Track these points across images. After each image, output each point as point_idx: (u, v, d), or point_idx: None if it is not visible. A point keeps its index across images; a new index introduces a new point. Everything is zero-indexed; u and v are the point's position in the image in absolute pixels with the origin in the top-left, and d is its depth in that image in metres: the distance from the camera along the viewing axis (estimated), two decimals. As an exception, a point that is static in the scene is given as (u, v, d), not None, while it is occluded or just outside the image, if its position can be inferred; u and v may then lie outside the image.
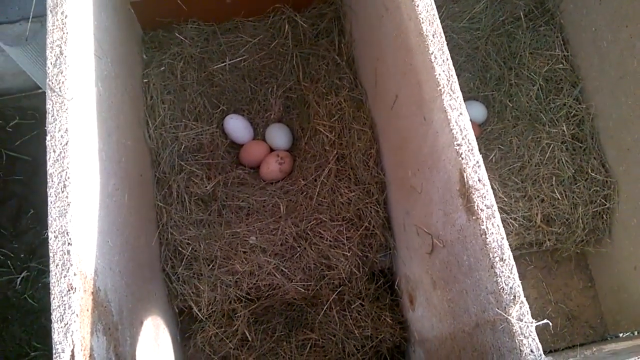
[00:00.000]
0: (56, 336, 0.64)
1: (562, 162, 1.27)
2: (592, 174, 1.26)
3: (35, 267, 1.41)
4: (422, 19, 0.84)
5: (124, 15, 1.19)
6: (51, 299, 0.64)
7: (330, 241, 1.15)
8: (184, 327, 1.21)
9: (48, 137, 0.73)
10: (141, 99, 1.25)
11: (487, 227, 0.71)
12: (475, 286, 0.75)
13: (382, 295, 1.21)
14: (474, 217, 0.73)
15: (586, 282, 1.33)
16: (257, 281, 1.13)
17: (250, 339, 1.17)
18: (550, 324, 0.75)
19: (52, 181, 0.71)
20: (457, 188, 0.77)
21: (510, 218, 1.22)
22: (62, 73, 0.77)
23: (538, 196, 1.24)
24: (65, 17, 0.80)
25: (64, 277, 0.66)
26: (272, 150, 1.34)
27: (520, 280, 1.33)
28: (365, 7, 1.16)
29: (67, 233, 0.68)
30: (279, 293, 1.14)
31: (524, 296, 1.26)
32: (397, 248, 1.16)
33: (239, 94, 1.38)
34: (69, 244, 0.67)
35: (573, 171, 1.26)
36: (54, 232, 0.68)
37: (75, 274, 0.66)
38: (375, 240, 1.17)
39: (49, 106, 0.74)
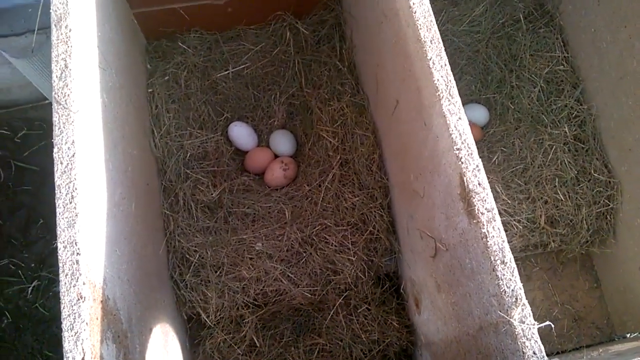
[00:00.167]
0: (67, 344, 0.65)
1: (565, 163, 1.27)
2: (595, 175, 1.26)
3: (46, 276, 1.43)
4: (420, 25, 0.85)
5: (127, 26, 1.21)
6: (61, 308, 0.66)
7: (335, 246, 1.16)
8: (193, 334, 1.23)
9: (55, 149, 0.74)
10: (146, 108, 1.26)
11: (487, 231, 0.72)
12: (478, 289, 0.76)
13: (388, 299, 1.22)
14: (474, 221, 0.74)
15: (592, 283, 1.33)
16: (264, 287, 1.15)
17: (258, 345, 1.18)
18: (552, 325, 0.75)
19: (60, 192, 0.72)
20: (458, 192, 0.78)
21: (514, 220, 1.22)
22: (67, 86, 0.78)
23: (541, 198, 1.25)
24: (69, 31, 0.82)
25: (74, 286, 0.67)
26: (276, 156, 1.35)
27: (526, 282, 1.34)
28: (365, 14, 1.17)
29: (75, 243, 0.69)
30: (286, 298, 1.15)
31: (530, 298, 1.27)
32: (402, 252, 1.17)
33: (243, 101, 1.40)
34: (77, 253, 0.69)
35: (576, 172, 1.27)
36: (63, 242, 0.69)
37: (84, 283, 0.68)
38: (380, 244, 1.18)
39: (55, 119, 0.76)
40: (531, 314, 0.68)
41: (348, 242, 1.16)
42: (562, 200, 1.24)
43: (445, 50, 1.45)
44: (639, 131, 1.17)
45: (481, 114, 1.40)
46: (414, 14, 0.86)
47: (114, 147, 0.91)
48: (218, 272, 1.15)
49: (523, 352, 0.66)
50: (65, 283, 0.67)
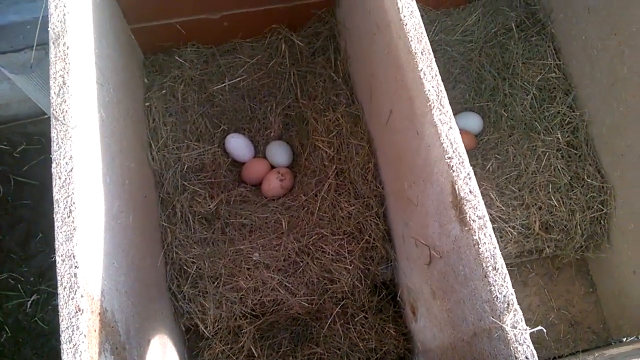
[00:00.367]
0: (65, 357, 0.66)
1: (558, 169, 1.29)
2: (588, 180, 1.27)
3: (45, 290, 1.44)
4: (411, 37, 0.87)
5: (124, 41, 1.23)
6: (60, 321, 0.67)
7: (332, 255, 1.18)
8: (191, 345, 1.23)
9: (53, 165, 0.76)
10: (143, 122, 1.28)
11: (479, 237, 0.73)
12: (472, 295, 0.77)
13: (385, 307, 1.23)
14: (466, 228, 0.75)
15: (587, 288, 1.34)
16: (261, 297, 1.15)
17: (256, 355, 1.19)
18: (545, 330, 0.76)
19: (58, 207, 0.73)
20: (450, 200, 0.79)
21: (509, 226, 1.23)
22: (65, 102, 0.80)
23: (535, 204, 1.26)
24: (67, 48, 0.83)
25: (72, 299, 0.68)
26: (273, 167, 1.37)
27: (522, 287, 1.35)
28: (358, 26, 1.19)
29: (73, 256, 0.70)
30: (284, 308, 1.16)
31: (527, 303, 1.28)
32: (397, 260, 1.18)
33: (239, 113, 1.41)
34: (75, 267, 0.70)
35: (569, 178, 1.28)
36: (61, 256, 0.71)
37: (82, 296, 0.69)
38: (376, 252, 1.19)
39: (53, 134, 0.77)
40: (523, 319, 0.69)
41: (344, 251, 1.17)
42: (556, 206, 1.25)
43: (439, 59, 1.48)
44: (630, 137, 1.18)
45: (475, 122, 1.42)
46: (405, 26, 0.88)
47: (112, 160, 0.92)
48: (216, 283, 1.16)
49: (516, 357, 0.67)
50: (63, 296, 0.68)
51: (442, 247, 0.86)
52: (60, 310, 0.68)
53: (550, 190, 1.27)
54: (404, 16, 0.89)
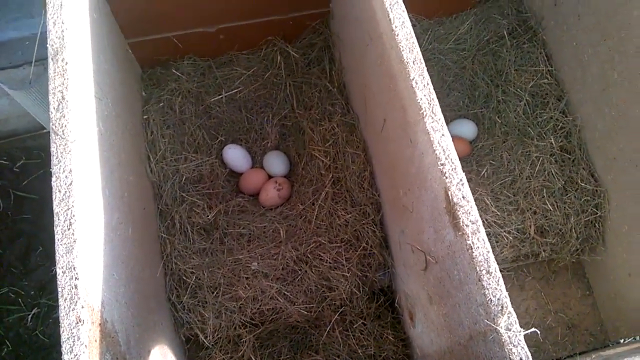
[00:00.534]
0: (67, 367, 0.67)
1: (552, 174, 1.30)
2: (582, 184, 1.29)
3: (46, 304, 1.44)
4: (403, 47, 0.89)
5: (122, 56, 1.25)
6: (61, 332, 0.68)
7: (330, 263, 1.19)
8: (191, 355, 1.24)
9: (53, 178, 0.77)
10: (142, 134, 1.29)
11: (472, 242, 0.74)
12: (467, 299, 0.78)
13: (384, 313, 1.24)
14: (460, 233, 0.76)
15: (584, 291, 1.35)
16: (260, 306, 1.16)
17: (257, 363, 1.20)
18: (539, 332, 0.77)
19: (59, 219, 0.75)
20: (444, 206, 0.80)
21: (504, 231, 1.25)
22: (64, 117, 0.81)
23: (530, 208, 1.27)
24: (66, 64, 0.85)
25: (72, 310, 0.70)
26: (270, 177, 1.38)
27: (519, 291, 1.36)
28: (352, 37, 1.21)
29: (74, 268, 0.72)
30: (283, 316, 1.17)
31: (524, 307, 1.28)
32: (395, 266, 1.19)
33: (236, 124, 1.43)
34: (76, 278, 0.71)
35: (563, 182, 1.30)
36: (62, 267, 0.72)
37: (83, 307, 0.70)
38: (374, 259, 1.20)
39: (53, 149, 0.79)
40: (517, 322, 0.70)
41: (342, 259, 1.18)
42: (550, 210, 1.26)
43: (433, 68, 1.50)
44: (622, 141, 1.20)
45: (469, 128, 1.44)
46: (397, 36, 0.90)
47: (111, 173, 0.94)
48: (215, 293, 1.17)
49: (510, 359, 0.68)
50: (64, 307, 0.70)
51: (437, 252, 0.88)
52: (61, 321, 0.69)
53: (544, 194, 1.28)
54: (396, 27, 0.91)
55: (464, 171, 1.38)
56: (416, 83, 0.86)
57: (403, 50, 0.89)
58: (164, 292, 1.18)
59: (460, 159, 1.42)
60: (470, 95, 1.48)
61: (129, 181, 1.06)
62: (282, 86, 1.43)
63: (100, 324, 0.75)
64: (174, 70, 1.41)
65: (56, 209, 0.75)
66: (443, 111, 1.51)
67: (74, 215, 0.75)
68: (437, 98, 1.49)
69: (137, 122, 1.28)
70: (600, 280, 1.33)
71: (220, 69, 1.44)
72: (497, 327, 0.70)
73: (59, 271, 0.72)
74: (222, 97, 1.40)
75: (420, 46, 1.50)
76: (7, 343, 1.40)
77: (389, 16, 0.91)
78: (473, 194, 1.30)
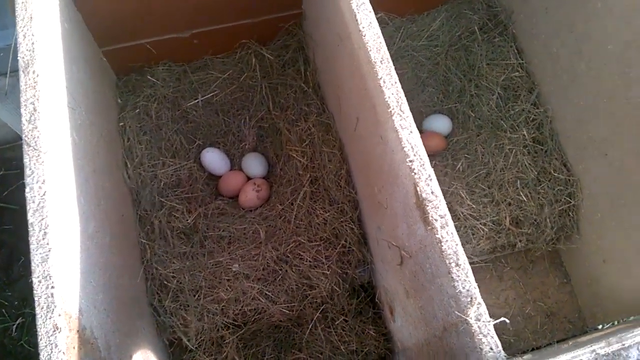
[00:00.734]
0: (45, 375, 0.68)
1: (525, 165, 1.33)
2: (555, 174, 1.31)
3: (30, 314, 1.44)
4: (370, 47, 0.90)
5: (96, 64, 1.25)
6: (38, 340, 0.69)
7: (310, 261, 1.20)
8: (175, 359, 1.25)
9: (27, 189, 0.78)
10: (118, 141, 1.30)
11: (441, 236, 0.76)
12: (439, 292, 0.80)
13: (365, 309, 1.25)
14: (429, 227, 0.78)
15: (562, 279, 1.38)
16: (242, 307, 1.17)
17: (241, 364, 1.21)
18: (508, 321, 0.79)
19: (33, 229, 0.76)
20: (414, 201, 0.82)
21: (480, 223, 1.27)
22: (36, 128, 0.82)
23: (505, 200, 1.30)
24: (37, 76, 0.86)
25: (49, 318, 0.70)
26: (249, 179, 1.39)
27: (498, 282, 1.38)
28: (324, 37, 1.23)
29: (49, 277, 0.72)
30: (265, 316, 1.18)
31: (503, 297, 1.31)
32: (374, 262, 1.21)
33: (214, 127, 1.44)
34: (52, 287, 0.72)
35: (536, 173, 1.32)
36: (38, 277, 0.73)
37: (59, 315, 0.71)
38: (353, 256, 1.22)
39: (26, 160, 0.79)
40: (486, 312, 0.72)
41: (322, 257, 1.20)
42: (525, 201, 1.29)
43: (407, 64, 1.52)
44: (591, 130, 1.23)
45: (444, 123, 1.46)
46: (364, 36, 0.92)
47: (86, 182, 0.94)
48: (196, 296, 1.18)
49: (480, 349, 0.70)
50: (41, 315, 0.70)
51: (411, 247, 0.89)
52: (38, 329, 0.70)
53: (518, 186, 1.31)
54: (363, 27, 0.92)
55: (439, 165, 1.41)
56: (384, 82, 0.88)
57: (371, 50, 0.90)
58: (145, 297, 1.18)
59: (436, 153, 1.45)
60: (444, 91, 1.50)
61: (105, 188, 1.07)
62: (258, 88, 1.44)
63: (78, 331, 0.76)
64: (149, 77, 1.41)
65: (30, 219, 0.76)
66: (418, 107, 1.54)
67: (48, 225, 0.75)
68: (412, 94, 1.51)
69: (113, 129, 1.28)
70: (576, 268, 1.36)
71: (195, 74, 1.44)
72: (467, 318, 0.72)
73: (35, 280, 0.73)
74: (198, 102, 1.41)
75: (393, 44, 1.52)
76: (-8, 354, 1.40)
77: (356, 17, 0.93)
78: (449, 187, 1.33)
